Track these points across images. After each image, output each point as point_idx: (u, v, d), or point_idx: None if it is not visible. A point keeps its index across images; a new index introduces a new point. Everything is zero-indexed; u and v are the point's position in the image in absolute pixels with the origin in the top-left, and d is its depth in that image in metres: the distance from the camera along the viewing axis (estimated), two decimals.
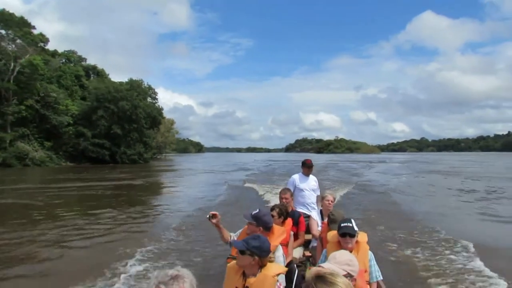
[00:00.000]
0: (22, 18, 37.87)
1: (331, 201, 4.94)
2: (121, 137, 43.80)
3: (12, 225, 9.55)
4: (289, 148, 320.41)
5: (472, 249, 6.79)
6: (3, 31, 37.22)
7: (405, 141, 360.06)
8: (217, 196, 15.59)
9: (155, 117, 49.03)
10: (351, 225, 3.20)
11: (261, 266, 2.60)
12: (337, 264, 2.32)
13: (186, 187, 21.11)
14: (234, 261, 2.76)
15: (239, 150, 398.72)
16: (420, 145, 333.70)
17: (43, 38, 41.64)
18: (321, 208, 5.11)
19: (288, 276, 3.27)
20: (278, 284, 2.58)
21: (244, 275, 2.62)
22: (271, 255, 2.72)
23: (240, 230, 3.78)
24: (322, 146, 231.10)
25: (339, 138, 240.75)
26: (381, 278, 3.31)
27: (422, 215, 10.66)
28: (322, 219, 4.89)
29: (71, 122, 42.55)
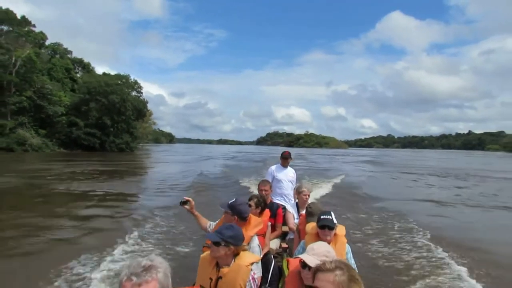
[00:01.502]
0: (24, 17, 42.35)
1: (308, 194, 4.98)
2: (110, 127, 49.16)
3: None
4: (260, 141, 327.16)
5: (428, 236, 7.52)
6: (4, 28, 41.59)
7: (373, 137, 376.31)
8: (196, 182, 16.58)
9: (140, 110, 54.59)
10: (330, 217, 3.23)
11: (236, 255, 2.62)
12: (315, 256, 2.33)
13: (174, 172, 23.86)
14: (207, 252, 2.73)
15: (210, 142, 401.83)
16: (386, 142, 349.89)
17: (43, 36, 46.14)
18: (297, 200, 5.15)
19: (265, 266, 3.46)
20: (252, 273, 2.59)
21: (218, 266, 2.60)
22: (245, 244, 2.78)
23: (218, 220, 3.78)
24: (292, 140, 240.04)
25: (309, 133, 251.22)
26: (357, 271, 3.32)
27: (384, 204, 11.64)
28: (298, 211, 4.93)
29: (64, 112, 47.36)
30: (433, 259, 6.05)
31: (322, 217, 3.26)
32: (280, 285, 3.51)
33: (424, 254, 6.38)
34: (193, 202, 3.68)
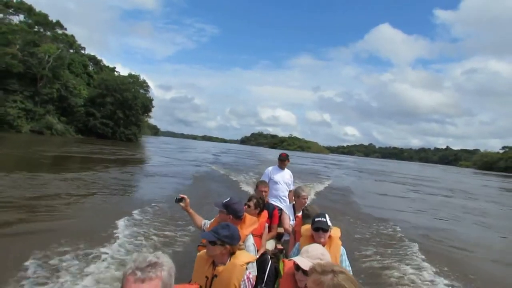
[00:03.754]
0: (58, 21, 51.32)
1: (307, 198, 5.18)
2: (122, 119, 58.36)
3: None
4: (244, 141, 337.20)
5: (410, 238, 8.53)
6: (41, 30, 50.42)
7: (354, 145, 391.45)
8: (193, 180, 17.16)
9: (147, 106, 63.98)
10: (324, 220, 3.32)
11: (231, 253, 2.69)
12: (309, 258, 2.37)
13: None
14: (203, 251, 2.79)
15: (194, 138, 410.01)
16: (367, 151, 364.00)
17: (73, 39, 55.08)
18: (293, 202, 5.32)
19: (262, 266, 3.61)
20: (247, 273, 2.67)
21: (214, 264, 2.68)
22: (241, 243, 2.84)
23: (213, 219, 3.86)
24: (276, 142, 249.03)
25: (292, 136, 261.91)
26: (351, 273, 3.36)
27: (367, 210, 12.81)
28: (294, 213, 5.13)
29: (82, 103, 56.26)
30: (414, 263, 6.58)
31: (316, 219, 3.33)
32: (276, 285, 3.56)
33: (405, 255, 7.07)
34: (188, 200, 3.72)
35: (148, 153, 39.92)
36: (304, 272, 2.27)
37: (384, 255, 7.09)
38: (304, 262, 2.35)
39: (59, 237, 5.94)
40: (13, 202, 8.64)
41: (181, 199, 3.70)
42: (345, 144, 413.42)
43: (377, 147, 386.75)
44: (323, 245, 3.02)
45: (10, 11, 50.58)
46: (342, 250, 3.46)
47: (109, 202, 10.03)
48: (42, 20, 50.20)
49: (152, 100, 65.47)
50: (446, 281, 5.80)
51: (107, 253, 5.49)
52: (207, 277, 2.65)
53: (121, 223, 7.27)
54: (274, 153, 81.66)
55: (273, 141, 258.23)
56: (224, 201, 3.55)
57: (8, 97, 45.82)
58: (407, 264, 6.53)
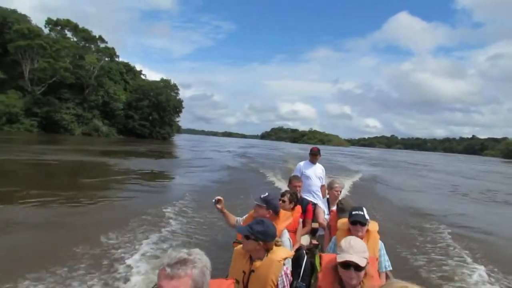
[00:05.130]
0: (100, 36, 58.96)
1: (340, 190, 5.23)
2: (157, 120, 65.71)
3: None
4: (264, 136, 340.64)
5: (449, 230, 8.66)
6: (86, 44, 58.12)
7: (376, 137, 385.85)
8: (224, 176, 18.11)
9: (178, 107, 71.38)
10: (362, 213, 3.32)
11: (267, 250, 2.70)
12: (357, 254, 2.34)
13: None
14: (241, 246, 2.84)
15: (214, 134, 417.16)
16: (389, 142, 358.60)
17: (114, 51, 62.85)
18: (328, 196, 5.40)
19: (297, 261, 3.63)
20: (285, 268, 2.68)
21: (251, 259, 2.71)
22: (277, 239, 2.82)
23: (247, 215, 3.94)
24: (296, 136, 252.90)
25: (313, 130, 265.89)
26: (391, 268, 3.44)
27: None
28: (329, 207, 5.15)
29: (122, 107, 63.79)
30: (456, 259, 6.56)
31: (353, 212, 3.33)
32: (312, 280, 3.64)
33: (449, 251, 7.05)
34: (223, 202, 3.82)
35: (182, 149, 46.54)
36: (357, 268, 2.30)
37: (423, 250, 7.07)
38: (358, 259, 2.31)
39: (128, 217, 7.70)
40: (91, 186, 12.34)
41: (218, 201, 3.77)
42: (366, 136, 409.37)
43: (399, 138, 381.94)
44: (361, 239, 2.85)
45: (58, 28, 58.45)
46: (381, 244, 3.42)
47: (155, 192, 12.41)
48: (86, 35, 57.80)
49: (182, 101, 72.74)
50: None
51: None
52: (244, 272, 2.69)
53: (167, 212, 8.45)
54: (296, 147, 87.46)
55: (294, 136, 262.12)
56: (263, 196, 3.60)
57: (62, 104, 53.65)
58: (451, 258, 6.51)
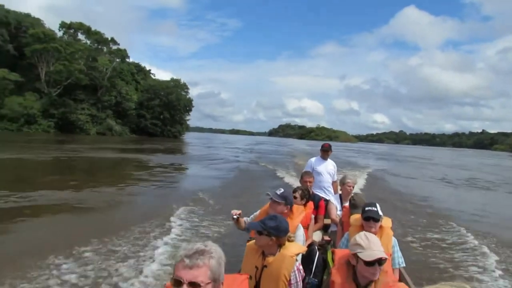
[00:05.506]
0: (112, 38, 60.90)
1: (352, 186, 5.24)
2: (168, 119, 67.69)
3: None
4: (272, 133, 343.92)
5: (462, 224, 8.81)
6: (99, 46, 60.16)
7: (384, 133, 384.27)
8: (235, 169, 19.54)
9: (188, 106, 73.33)
10: (375, 209, 3.31)
11: (280, 245, 2.70)
12: (375, 250, 2.33)
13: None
14: (253, 241, 2.85)
15: (222, 132, 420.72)
16: (397, 138, 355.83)
17: (126, 52, 64.88)
18: (340, 192, 5.37)
19: (310, 257, 3.66)
20: (297, 264, 2.69)
21: (263, 255, 2.71)
22: (290, 234, 2.81)
23: (257, 212, 3.97)
24: (304, 133, 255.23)
25: (320, 126, 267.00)
26: (404, 265, 3.44)
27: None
28: (341, 203, 5.15)
29: (134, 107, 65.80)
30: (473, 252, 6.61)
31: (367, 208, 3.33)
32: (324, 276, 3.65)
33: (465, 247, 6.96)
34: (241, 214, 3.77)
35: (195, 146, 48.27)
36: (380, 264, 2.29)
37: (438, 246, 7.06)
38: (383, 254, 2.31)
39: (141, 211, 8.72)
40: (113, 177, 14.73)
41: (237, 220, 3.72)
42: (374, 132, 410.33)
43: (407, 133, 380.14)
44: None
45: (71, 31, 60.54)
46: (394, 241, 3.41)
47: (170, 188, 13.18)
48: (99, 38, 59.82)
49: (192, 100, 74.62)
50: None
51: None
52: (256, 267, 2.69)
53: (178, 210, 8.71)
54: (304, 143, 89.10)
55: (301, 132, 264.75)
56: (280, 193, 3.58)
57: (77, 105, 55.74)
58: (464, 253, 6.50)
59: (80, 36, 61.61)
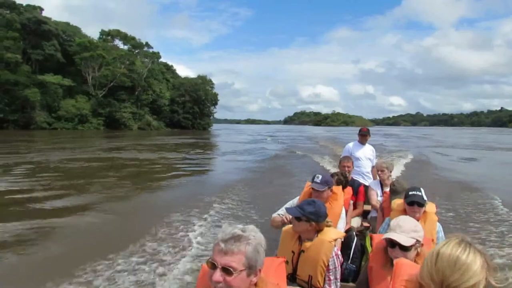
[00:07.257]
0: (147, 43, 68.82)
1: (390, 170, 5.10)
2: (197, 113, 75.73)
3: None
4: (287, 121, 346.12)
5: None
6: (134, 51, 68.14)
7: (401, 115, 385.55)
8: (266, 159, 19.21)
9: (214, 100, 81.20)
10: (420, 193, 3.26)
11: (318, 231, 2.69)
12: (403, 233, 2.28)
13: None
14: (289, 226, 2.85)
15: (238, 122, 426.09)
16: (414, 120, 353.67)
17: (159, 55, 73.03)
18: (379, 178, 5.20)
19: (347, 243, 3.64)
20: (336, 249, 2.65)
21: (300, 240, 2.72)
22: (328, 219, 2.80)
23: (295, 199, 3.91)
24: (319, 119, 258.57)
25: (336, 112, 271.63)
26: None
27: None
28: (382, 189, 4.99)
29: (167, 104, 73.81)
30: None
31: (411, 192, 3.28)
32: (363, 262, 3.62)
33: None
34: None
35: (222, 136, 53.85)
36: (402, 248, 2.24)
37: (485, 232, 6.44)
38: (402, 238, 2.24)
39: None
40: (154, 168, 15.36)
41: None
42: (391, 115, 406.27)
43: (425, 115, 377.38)
44: (417, 221, 2.70)
45: (109, 38, 68.50)
46: (439, 226, 3.34)
47: (208, 175, 13.93)
48: (135, 43, 67.69)
49: (217, 94, 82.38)
50: None
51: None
52: (293, 252, 2.69)
53: (213, 198, 8.50)
54: (321, 129, 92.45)
55: (317, 119, 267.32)
56: (322, 180, 3.56)
57: (121, 104, 63.81)
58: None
59: (119, 42, 69.73)
